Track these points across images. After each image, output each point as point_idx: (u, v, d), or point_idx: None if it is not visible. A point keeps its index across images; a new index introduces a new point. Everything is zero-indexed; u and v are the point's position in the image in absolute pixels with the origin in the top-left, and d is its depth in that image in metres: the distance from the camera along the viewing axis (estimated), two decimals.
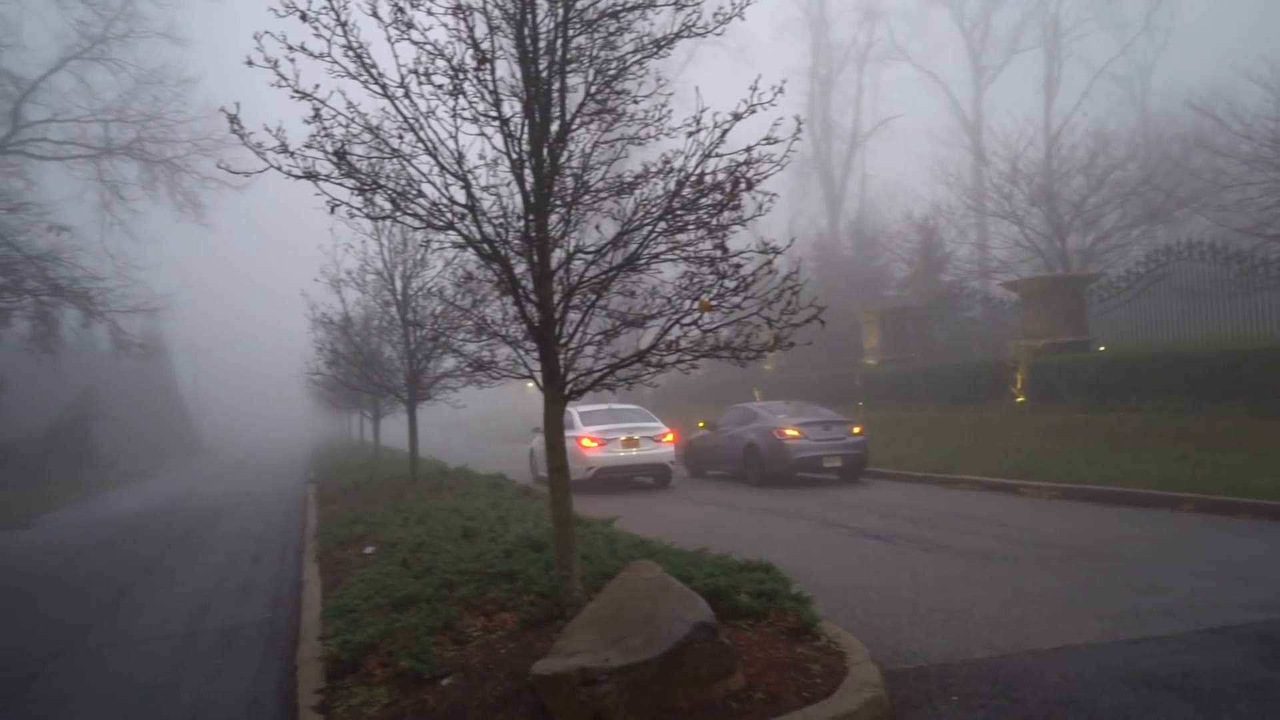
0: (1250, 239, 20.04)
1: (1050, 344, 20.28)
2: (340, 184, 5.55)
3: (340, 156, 5.48)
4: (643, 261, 5.75)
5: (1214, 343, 17.50)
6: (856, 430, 16.92)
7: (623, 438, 17.38)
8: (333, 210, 5.70)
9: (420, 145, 5.66)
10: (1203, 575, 7.61)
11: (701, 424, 20.14)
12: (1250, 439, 13.63)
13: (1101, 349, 20.33)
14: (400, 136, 5.66)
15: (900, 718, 4.75)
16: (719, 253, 5.52)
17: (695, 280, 5.65)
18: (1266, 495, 10.54)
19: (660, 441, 17.72)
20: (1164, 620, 6.29)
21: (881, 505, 13.00)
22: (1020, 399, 19.79)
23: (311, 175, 5.42)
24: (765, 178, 5.48)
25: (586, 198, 5.91)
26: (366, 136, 5.66)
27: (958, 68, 50.59)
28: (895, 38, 53.54)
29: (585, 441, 17.17)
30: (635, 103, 5.94)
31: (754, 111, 5.55)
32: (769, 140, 5.46)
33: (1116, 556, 8.52)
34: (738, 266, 5.52)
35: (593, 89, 5.78)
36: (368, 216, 5.83)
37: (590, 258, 5.85)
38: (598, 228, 6.12)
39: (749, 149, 5.48)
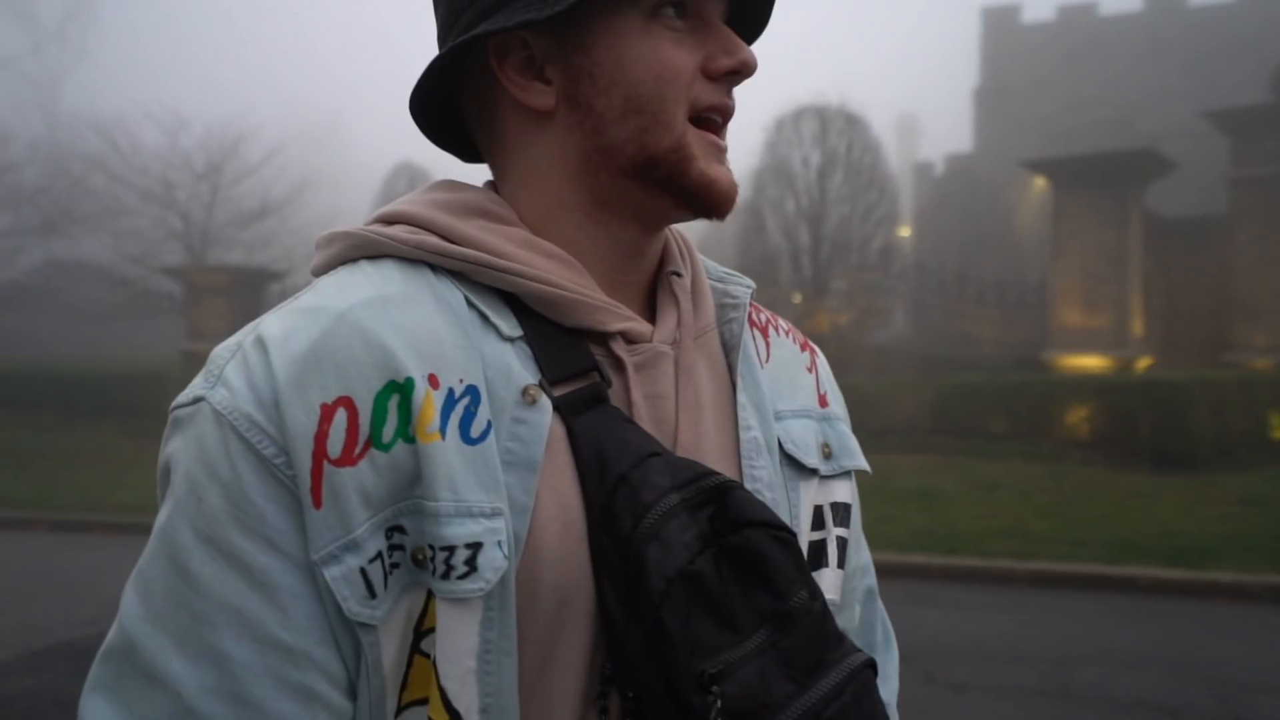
0: (139, 267, 21.17)
1: None
2: None
3: None
4: None
5: (96, 364, 17.83)
6: None
7: None
8: None
9: None
10: (40, 597, 7.57)
11: None
12: (115, 457, 14.25)
13: None
14: None
15: None
16: None
17: None
18: (121, 511, 11.12)
19: None
20: None
21: None
22: None
23: None
24: None
25: None
26: None
27: None
28: None
29: None
30: None
31: None
32: None
33: None
34: None
35: None
36: None
37: None
38: None
39: None
